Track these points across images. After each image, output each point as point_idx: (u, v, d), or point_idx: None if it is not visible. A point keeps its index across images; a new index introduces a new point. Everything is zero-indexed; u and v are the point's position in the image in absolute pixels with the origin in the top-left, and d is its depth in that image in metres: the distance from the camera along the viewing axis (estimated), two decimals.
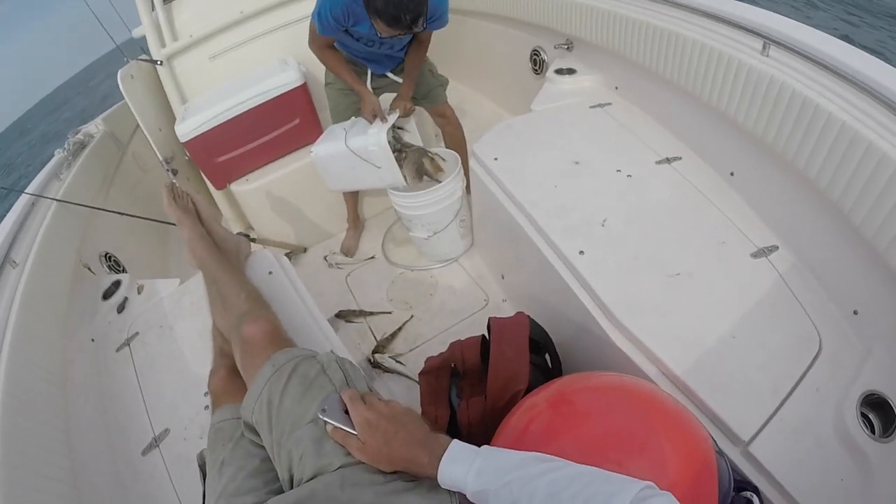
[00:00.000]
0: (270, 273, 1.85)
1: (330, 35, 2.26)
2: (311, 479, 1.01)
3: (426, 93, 2.68)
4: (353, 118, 2.55)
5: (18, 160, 18.93)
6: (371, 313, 2.60)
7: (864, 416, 1.25)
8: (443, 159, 2.56)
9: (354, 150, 2.37)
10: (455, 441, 0.94)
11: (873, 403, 1.27)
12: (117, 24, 3.13)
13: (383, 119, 2.41)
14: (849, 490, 1.17)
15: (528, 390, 1.32)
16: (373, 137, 2.33)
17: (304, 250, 3.14)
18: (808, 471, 1.19)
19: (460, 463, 0.89)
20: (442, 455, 0.91)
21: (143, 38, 2.99)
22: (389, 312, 2.58)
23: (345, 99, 2.61)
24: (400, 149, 2.48)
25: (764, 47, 1.67)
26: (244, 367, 1.34)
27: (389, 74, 2.61)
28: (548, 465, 0.83)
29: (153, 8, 2.98)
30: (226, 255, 1.75)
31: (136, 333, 1.90)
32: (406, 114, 2.51)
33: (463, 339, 1.61)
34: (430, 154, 2.51)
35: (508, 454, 0.89)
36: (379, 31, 2.05)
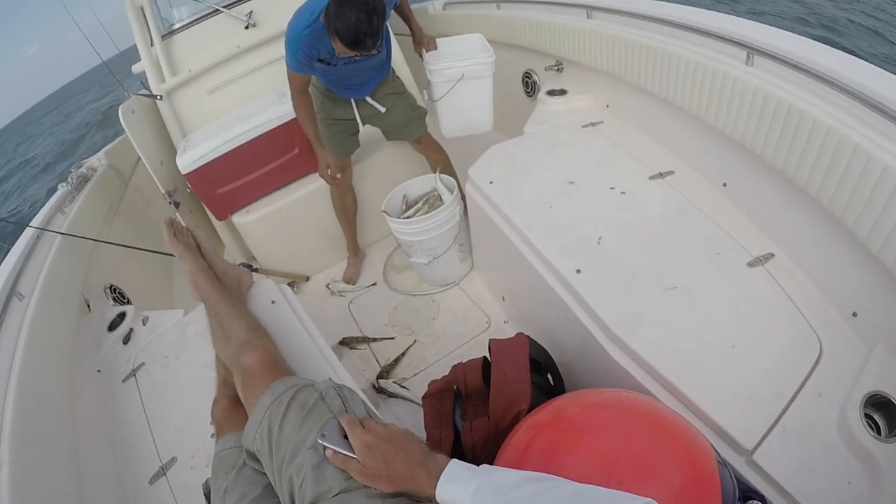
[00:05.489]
0: (273, 302, 1.85)
1: (306, 72, 2.33)
2: None
3: (405, 124, 2.72)
4: None
5: None
6: (374, 339, 2.60)
7: (868, 416, 1.25)
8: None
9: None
10: (454, 461, 0.95)
11: (877, 404, 1.28)
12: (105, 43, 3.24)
13: (335, 178, 2.64)
14: (857, 493, 1.17)
15: (531, 410, 1.32)
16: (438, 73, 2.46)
17: (307, 279, 3.16)
18: (814, 476, 1.19)
19: (458, 482, 0.90)
20: (440, 475, 0.92)
21: (143, 74, 3.07)
22: (392, 338, 2.59)
23: (328, 130, 2.65)
24: None
25: (748, 57, 1.69)
26: (245, 397, 1.35)
27: (369, 99, 2.61)
28: (545, 484, 0.83)
29: (152, 44, 3.05)
30: (227, 287, 1.77)
31: (142, 364, 1.90)
32: (430, 46, 2.56)
33: (465, 361, 1.61)
34: None
35: (507, 473, 0.89)
36: (337, 52, 2.10)
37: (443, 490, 0.90)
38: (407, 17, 2.60)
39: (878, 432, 1.23)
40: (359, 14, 1.94)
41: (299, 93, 2.44)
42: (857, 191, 1.36)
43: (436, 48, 2.56)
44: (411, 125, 2.72)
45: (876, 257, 1.36)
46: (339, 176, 2.66)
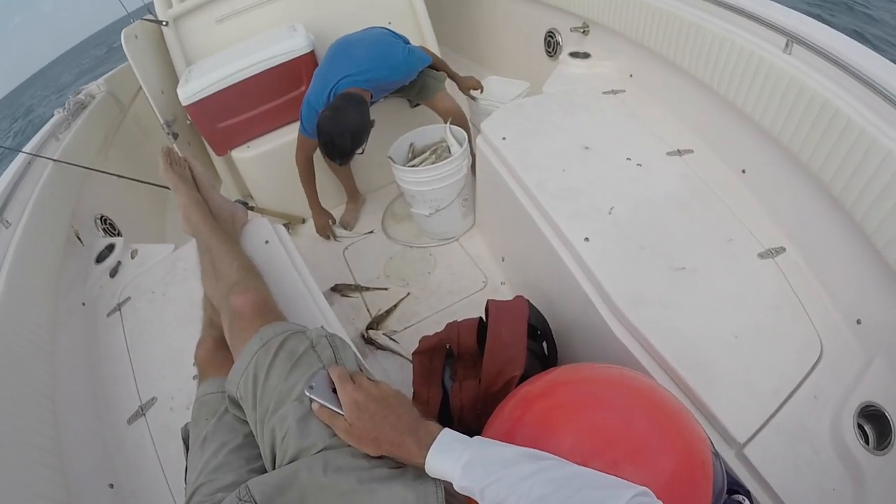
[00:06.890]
0: (267, 242, 1.81)
1: (315, 138, 2.43)
2: (293, 459, 0.99)
3: (420, 89, 2.69)
4: None
5: None
6: (367, 288, 2.58)
7: (859, 427, 1.24)
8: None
9: None
10: (445, 430, 0.91)
11: (870, 415, 1.26)
12: None
13: (334, 236, 2.93)
14: (840, 500, 1.16)
15: (524, 377, 1.30)
16: None
17: (303, 221, 3.11)
18: (800, 477, 1.18)
19: (449, 454, 0.86)
20: (431, 444, 0.88)
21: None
22: (386, 289, 2.56)
23: None
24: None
25: (787, 45, 1.63)
26: (231, 340, 1.31)
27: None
28: (539, 464, 0.79)
29: None
30: (221, 224, 1.72)
31: (128, 298, 1.85)
32: (479, 87, 2.82)
33: (460, 320, 1.58)
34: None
35: (499, 448, 0.85)
36: None
37: (432, 462, 0.87)
38: (446, 72, 2.77)
39: (868, 443, 1.22)
40: (333, 138, 2.24)
41: (305, 156, 2.63)
42: (883, 197, 1.32)
43: (483, 89, 2.83)
44: (425, 88, 2.67)
45: (890, 266, 1.33)
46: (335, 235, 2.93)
